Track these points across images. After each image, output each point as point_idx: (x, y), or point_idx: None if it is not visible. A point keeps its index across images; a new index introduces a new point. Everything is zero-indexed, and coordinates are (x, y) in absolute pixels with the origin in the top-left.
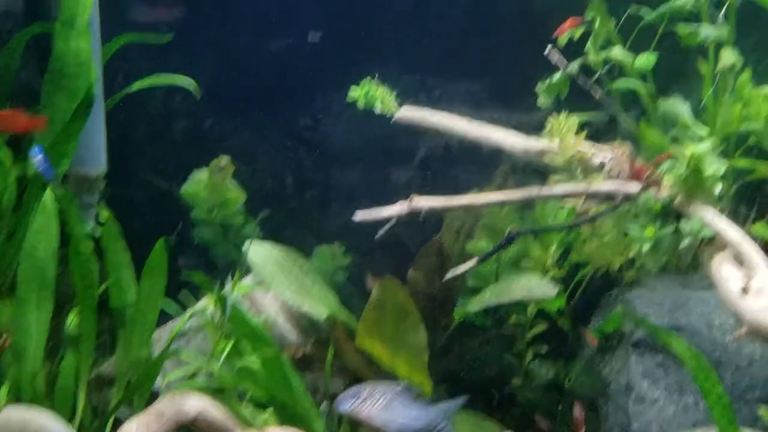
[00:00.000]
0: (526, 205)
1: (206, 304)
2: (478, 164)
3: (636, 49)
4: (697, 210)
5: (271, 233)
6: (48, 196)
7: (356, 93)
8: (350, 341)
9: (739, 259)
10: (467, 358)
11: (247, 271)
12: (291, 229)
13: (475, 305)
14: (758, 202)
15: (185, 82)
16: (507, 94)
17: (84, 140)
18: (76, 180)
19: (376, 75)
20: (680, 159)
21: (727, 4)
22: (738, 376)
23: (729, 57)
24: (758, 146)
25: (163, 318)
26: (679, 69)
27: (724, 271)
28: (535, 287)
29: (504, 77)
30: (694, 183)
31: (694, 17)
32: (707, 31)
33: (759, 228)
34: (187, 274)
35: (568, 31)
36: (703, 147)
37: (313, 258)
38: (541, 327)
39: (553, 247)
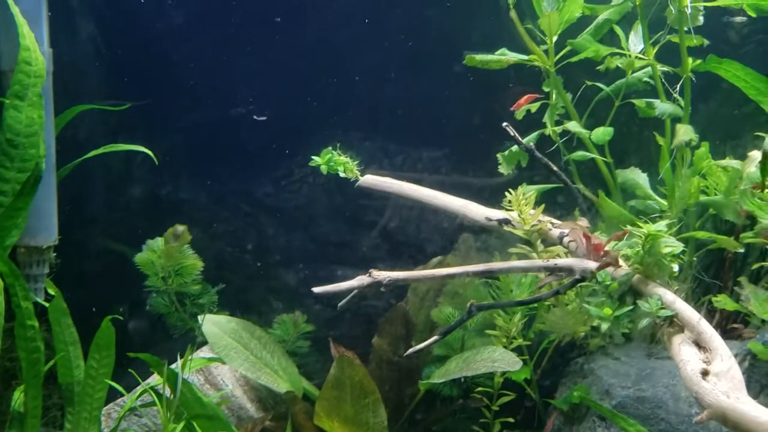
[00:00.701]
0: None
1: (157, 380)
2: (440, 231)
3: (595, 116)
4: (654, 290)
5: (230, 302)
6: None
7: (318, 160)
8: (310, 417)
9: (698, 341)
10: (433, 430)
11: (204, 342)
12: (250, 298)
13: (439, 376)
14: (720, 272)
15: (141, 150)
16: (469, 160)
17: (35, 211)
18: (25, 252)
19: (338, 142)
20: (637, 237)
21: (682, 80)
22: None
23: (684, 133)
24: (718, 217)
25: (115, 393)
26: (637, 138)
27: (684, 353)
28: (499, 360)
29: (466, 144)
30: (651, 262)
31: (651, 89)
32: (663, 107)
33: (721, 299)
34: (134, 354)
35: (524, 106)
36: (659, 226)
37: (274, 326)
38: (508, 397)
39: (518, 317)
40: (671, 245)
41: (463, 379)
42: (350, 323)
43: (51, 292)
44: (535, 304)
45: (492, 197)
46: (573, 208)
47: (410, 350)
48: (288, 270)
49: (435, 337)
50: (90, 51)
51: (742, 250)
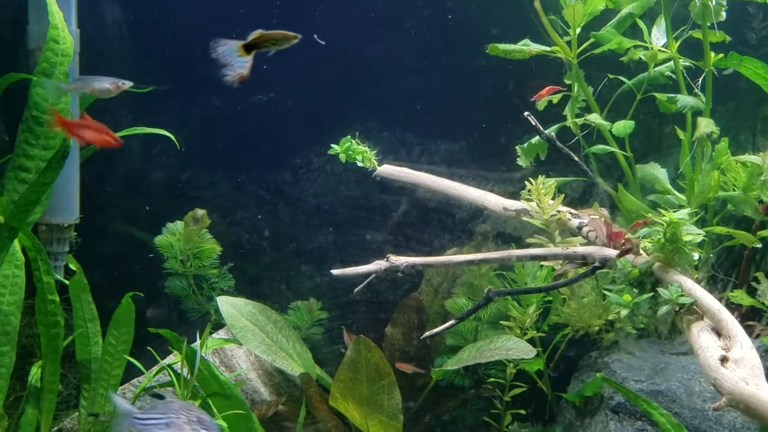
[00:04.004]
0: (505, 264)
1: (175, 359)
2: (456, 223)
3: (614, 112)
4: (674, 277)
5: (246, 286)
6: (17, 245)
7: (337, 148)
8: (324, 400)
9: (717, 328)
10: (444, 419)
11: (219, 325)
12: (266, 283)
13: (452, 364)
14: (737, 268)
15: (163, 134)
16: (488, 152)
17: (57, 189)
18: (47, 229)
19: (357, 132)
20: (658, 226)
21: (704, 74)
22: None
23: (706, 125)
24: (737, 213)
25: (131, 374)
26: (657, 133)
27: (703, 340)
28: (513, 348)
29: (485, 135)
30: (672, 250)
31: (673, 84)
32: (685, 100)
33: (738, 294)
34: (155, 330)
35: (545, 96)
36: (681, 214)
37: (288, 313)
38: (520, 388)
39: (532, 308)
40: (692, 233)
41: (474, 371)
42: (363, 313)
43: (73, 267)
44: (550, 297)
45: (508, 191)
46: (588, 204)
47: (426, 334)
48: (304, 258)
49: (452, 321)
50: (115, 34)
51: (759, 245)
